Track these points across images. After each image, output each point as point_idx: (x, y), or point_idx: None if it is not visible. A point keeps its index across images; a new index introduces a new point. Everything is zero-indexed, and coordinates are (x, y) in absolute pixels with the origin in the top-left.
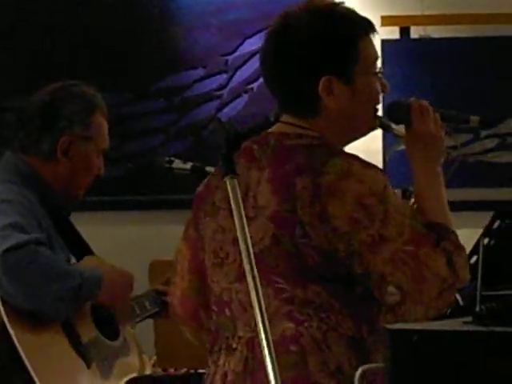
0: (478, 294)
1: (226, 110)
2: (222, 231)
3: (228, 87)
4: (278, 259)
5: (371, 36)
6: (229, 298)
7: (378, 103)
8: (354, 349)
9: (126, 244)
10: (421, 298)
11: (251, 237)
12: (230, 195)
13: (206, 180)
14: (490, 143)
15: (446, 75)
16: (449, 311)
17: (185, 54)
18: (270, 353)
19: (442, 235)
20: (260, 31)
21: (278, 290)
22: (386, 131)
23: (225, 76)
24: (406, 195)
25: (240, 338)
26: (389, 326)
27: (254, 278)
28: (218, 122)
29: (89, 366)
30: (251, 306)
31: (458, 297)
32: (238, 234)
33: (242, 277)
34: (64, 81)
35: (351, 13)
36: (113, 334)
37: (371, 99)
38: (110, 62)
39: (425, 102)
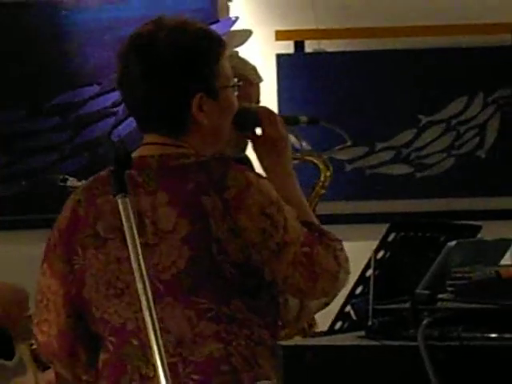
0: (370, 307)
1: (121, 126)
2: (117, 261)
3: (123, 104)
4: (198, 280)
5: (226, 50)
6: (136, 327)
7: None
8: (276, 358)
9: (20, 263)
10: (316, 294)
11: (157, 264)
12: (122, 214)
13: (66, 213)
14: (386, 155)
15: (341, 88)
16: (344, 326)
17: (79, 71)
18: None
19: (320, 232)
20: None
21: (203, 310)
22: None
23: (119, 93)
24: None
25: None
26: (281, 343)
27: (148, 300)
28: (109, 141)
29: None
30: (166, 332)
31: (351, 311)
32: (131, 255)
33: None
34: None
35: (208, 28)
36: (8, 353)
37: (232, 112)
38: (3, 79)
39: (269, 108)
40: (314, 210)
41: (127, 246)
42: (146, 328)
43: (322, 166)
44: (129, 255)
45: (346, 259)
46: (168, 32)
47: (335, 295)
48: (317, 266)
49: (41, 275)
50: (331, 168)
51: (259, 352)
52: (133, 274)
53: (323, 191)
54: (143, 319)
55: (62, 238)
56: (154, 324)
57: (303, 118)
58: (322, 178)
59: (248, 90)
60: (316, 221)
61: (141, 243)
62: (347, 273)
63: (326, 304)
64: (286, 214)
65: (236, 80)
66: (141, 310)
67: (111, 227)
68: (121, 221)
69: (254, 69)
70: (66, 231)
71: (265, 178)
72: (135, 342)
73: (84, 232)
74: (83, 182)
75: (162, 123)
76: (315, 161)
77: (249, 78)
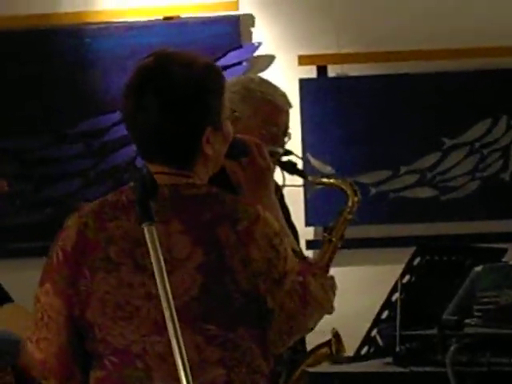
0: (397, 334)
1: None
2: (128, 286)
3: None
4: (209, 307)
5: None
6: (141, 350)
7: None
8: None
9: None
10: (306, 322)
11: (172, 290)
12: (148, 242)
13: (71, 233)
14: (410, 179)
15: (364, 112)
16: (370, 351)
17: (102, 98)
18: None
19: (307, 262)
20: None
21: (211, 337)
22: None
23: None
24: (326, 231)
25: None
26: (309, 370)
27: (175, 330)
28: (134, 168)
29: None
30: (172, 357)
31: (378, 337)
32: (158, 281)
33: (159, 329)
34: None
35: (212, 62)
36: None
37: (229, 141)
38: (29, 106)
39: (256, 139)
40: (342, 236)
41: (140, 272)
42: (150, 352)
43: (349, 192)
44: (143, 281)
45: (332, 287)
46: (180, 67)
47: (315, 325)
48: (308, 294)
49: (42, 294)
50: (359, 193)
51: (257, 380)
52: (144, 299)
53: (351, 217)
54: (151, 343)
55: (67, 259)
56: (180, 350)
57: (279, 151)
58: (350, 204)
59: (277, 117)
60: (298, 248)
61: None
62: (330, 301)
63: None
64: (286, 245)
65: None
66: (151, 333)
67: (124, 252)
68: (134, 246)
69: (283, 95)
70: (72, 253)
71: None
72: (140, 365)
73: (94, 255)
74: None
75: (173, 155)
76: (343, 186)
77: (278, 105)
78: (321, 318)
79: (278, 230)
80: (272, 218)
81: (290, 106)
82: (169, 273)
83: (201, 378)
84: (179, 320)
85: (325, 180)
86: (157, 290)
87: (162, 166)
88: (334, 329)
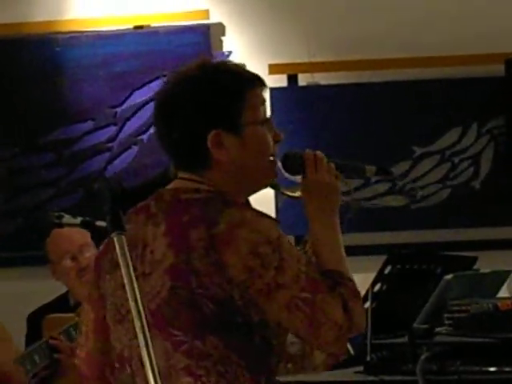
0: (368, 342)
1: (116, 162)
2: (122, 288)
3: (117, 139)
4: (176, 311)
5: (259, 89)
6: (129, 354)
7: (271, 152)
8: None
9: (16, 299)
10: (318, 343)
11: (148, 292)
12: (118, 252)
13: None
14: (381, 187)
15: (335, 121)
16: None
17: (73, 107)
18: None
19: (337, 281)
20: (148, 83)
21: (177, 342)
22: (278, 191)
23: (114, 128)
24: (299, 242)
25: None
26: (279, 379)
27: (144, 335)
28: (103, 178)
29: None
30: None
31: (349, 346)
32: (127, 290)
33: None
34: None
35: (238, 68)
36: None
37: (262, 149)
38: (0, 115)
39: (319, 153)
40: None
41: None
42: (135, 356)
43: None
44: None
45: (361, 314)
46: (200, 70)
47: (341, 352)
48: (319, 313)
49: (85, 299)
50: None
51: None
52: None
53: None
54: (135, 347)
55: (95, 262)
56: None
57: (370, 168)
58: None
59: None
60: (345, 272)
61: (142, 273)
62: (358, 329)
63: (336, 357)
64: (286, 256)
65: (264, 112)
66: (135, 337)
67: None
68: (131, 248)
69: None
70: (98, 256)
71: (268, 217)
72: (128, 370)
73: (107, 257)
74: (78, 218)
75: (182, 160)
76: (369, 168)
77: None
78: (342, 344)
79: (275, 239)
80: (268, 226)
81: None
82: (149, 275)
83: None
84: (153, 324)
85: (298, 194)
86: (143, 292)
87: (181, 172)
88: None
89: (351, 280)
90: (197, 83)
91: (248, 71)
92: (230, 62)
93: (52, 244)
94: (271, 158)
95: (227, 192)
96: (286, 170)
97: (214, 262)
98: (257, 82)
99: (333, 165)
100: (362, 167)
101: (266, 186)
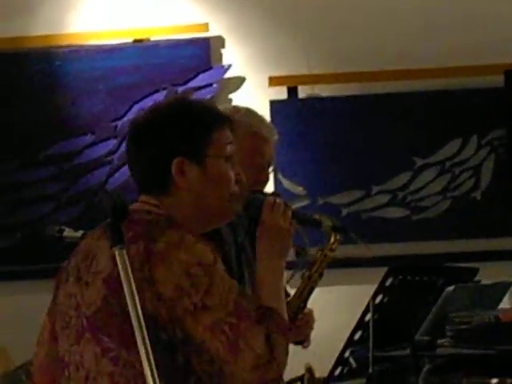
0: (370, 355)
1: (116, 175)
2: (69, 297)
3: (118, 152)
4: (107, 320)
5: (227, 130)
6: (68, 359)
7: (231, 190)
8: None
9: (16, 313)
10: (235, 368)
11: (87, 299)
12: (119, 266)
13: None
14: (382, 199)
15: (335, 133)
16: (344, 372)
17: (73, 121)
18: None
19: (267, 316)
20: (148, 96)
21: (106, 349)
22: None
23: (114, 141)
24: (298, 253)
25: None
26: None
27: (146, 349)
28: (104, 192)
29: None
30: (81, 367)
31: (351, 359)
32: (129, 304)
33: (79, 339)
34: None
35: (212, 106)
36: None
37: (222, 182)
38: (0, 129)
39: (279, 200)
40: (321, 274)
41: (78, 283)
42: (72, 362)
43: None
44: (77, 292)
45: (283, 350)
46: (174, 103)
47: (258, 382)
48: (241, 339)
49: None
50: (341, 231)
51: None
52: (75, 309)
53: (332, 254)
54: (73, 353)
55: (57, 275)
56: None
57: (327, 225)
58: (332, 241)
59: (263, 148)
60: (281, 311)
61: (85, 282)
62: (280, 366)
63: None
64: (217, 281)
65: (230, 150)
66: (75, 343)
67: (76, 265)
68: (82, 260)
69: (269, 126)
70: (61, 268)
71: (210, 246)
72: (67, 374)
73: (67, 267)
74: (80, 232)
75: (144, 183)
76: (326, 223)
77: (264, 136)
78: (260, 374)
79: (207, 263)
80: (203, 251)
81: (275, 135)
82: (89, 284)
83: None
84: (88, 329)
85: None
86: (82, 299)
87: (142, 195)
88: (307, 364)
89: (283, 319)
90: (168, 112)
91: (220, 111)
92: (206, 100)
93: None
94: (231, 195)
95: (178, 218)
96: (247, 213)
97: (146, 278)
98: (227, 122)
99: (290, 212)
100: (318, 220)
101: (221, 222)
